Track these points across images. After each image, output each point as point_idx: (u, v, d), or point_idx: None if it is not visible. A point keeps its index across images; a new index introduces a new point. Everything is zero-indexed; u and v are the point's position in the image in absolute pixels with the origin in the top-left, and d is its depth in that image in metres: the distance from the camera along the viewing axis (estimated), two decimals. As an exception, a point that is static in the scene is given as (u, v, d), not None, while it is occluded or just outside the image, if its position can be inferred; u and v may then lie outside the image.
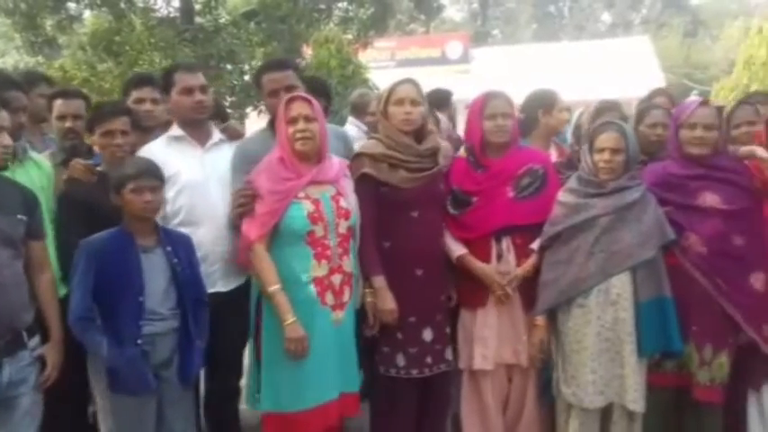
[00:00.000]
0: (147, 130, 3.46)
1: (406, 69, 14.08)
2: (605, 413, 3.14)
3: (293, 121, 2.93)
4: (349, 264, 3.00)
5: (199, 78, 3.30)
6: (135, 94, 3.68)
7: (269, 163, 2.96)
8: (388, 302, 3.11)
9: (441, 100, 5.26)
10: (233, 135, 3.51)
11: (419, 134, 3.25)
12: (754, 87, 10.28)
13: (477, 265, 3.24)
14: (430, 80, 5.66)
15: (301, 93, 3.08)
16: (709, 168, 3.18)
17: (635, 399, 3.04)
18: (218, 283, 3.19)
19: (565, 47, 24.66)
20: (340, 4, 14.15)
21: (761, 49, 11.80)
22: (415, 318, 3.18)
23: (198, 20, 12.35)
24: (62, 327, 2.78)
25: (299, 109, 2.94)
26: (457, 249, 3.28)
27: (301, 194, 2.91)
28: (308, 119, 2.93)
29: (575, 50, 21.94)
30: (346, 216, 2.98)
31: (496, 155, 3.31)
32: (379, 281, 3.11)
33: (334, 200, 2.97)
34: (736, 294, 3.08)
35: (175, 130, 3.31)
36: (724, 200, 3.13)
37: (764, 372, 3.15)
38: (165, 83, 3.35)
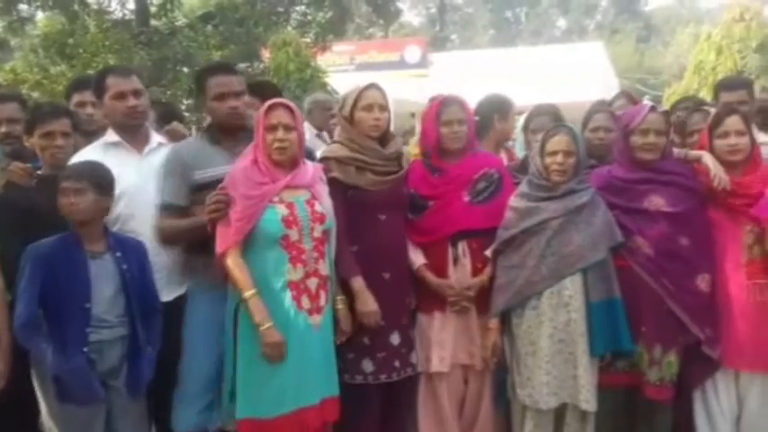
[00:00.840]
0: (89, 134, 3.38)
1: (365, 73, 14.07)
2: (559, 414, 3.17)
3: (272, 128, 2.88)
4: (325, 267, 2.97)
5: (132, 82, 3.19)
6: (76, 98, 3.60)
7: (243, 169, 2.89)
8: (370, 304, 3.08)
9: None
10: (175, 137, 3.44)
11: (383, 138, 3.25)
12: (703, 92, 10.52)
13: (434, 280, 3.24)
14: (389, 84, 5.67)
15: (284, 100, 3.01)
16: (655, 172, 3.23)
17: (587, 398, 3.07)
18: (162, 292, 3.08)
19: (521, 52, 24.92)
20: (298, 8, 14.13)
21: (710, 55, 12.12)
22: (383, 321, 3.15)
23: (153, 22, 12.20)
24: (11, 335, 2.71)
25: (279, 117, 2.88)
26: (416, 260, 3.28)
27: (275, 199, 2.87)
28: (287, 128, 2.88)
29: (531, 56, 22.14)
30: (321, 220, 2.94)
31: (453, 159, 3.32)
32: (359, 282, 3.09)
33: (308, 204, 2.93)
34: (682, 295, 3.14)
35: (111, 135, 3.20)
36: (670, 202, 3.18)
37: (706, 371, 3.20)
38: (97, 87, 3.22)
